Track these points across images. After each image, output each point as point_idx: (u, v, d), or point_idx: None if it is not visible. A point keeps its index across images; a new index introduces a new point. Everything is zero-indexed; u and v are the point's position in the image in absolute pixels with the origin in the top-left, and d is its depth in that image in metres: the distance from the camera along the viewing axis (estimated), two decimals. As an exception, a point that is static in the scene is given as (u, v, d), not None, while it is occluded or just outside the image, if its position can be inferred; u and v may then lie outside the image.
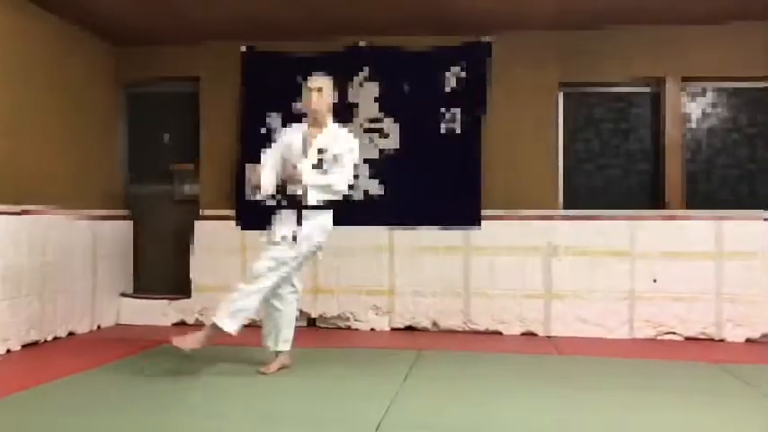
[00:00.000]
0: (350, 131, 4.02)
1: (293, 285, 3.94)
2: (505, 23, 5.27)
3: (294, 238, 3.72)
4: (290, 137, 3.96)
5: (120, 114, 6.06)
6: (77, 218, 5.22)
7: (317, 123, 3.90)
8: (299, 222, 3.75)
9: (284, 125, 5.55)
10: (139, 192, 6.04)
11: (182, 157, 5.97)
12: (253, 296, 3.68)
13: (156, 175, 6.00)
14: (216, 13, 5.14)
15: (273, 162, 3.92)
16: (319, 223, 3.81)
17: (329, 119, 3.94)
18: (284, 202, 3.85)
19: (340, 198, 3.87)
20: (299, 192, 3.77)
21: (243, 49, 5.73)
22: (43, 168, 4.93)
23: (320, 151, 3.82)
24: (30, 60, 4.83)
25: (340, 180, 3.80)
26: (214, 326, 3.69)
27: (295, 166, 3.77)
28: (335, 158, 3.81)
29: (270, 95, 5.67)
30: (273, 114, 5.65)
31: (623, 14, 5.10)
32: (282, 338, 3.89)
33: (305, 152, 3.84)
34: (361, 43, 5.58)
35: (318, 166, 3.80)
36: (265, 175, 3.83)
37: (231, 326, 3.67)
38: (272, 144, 4.05)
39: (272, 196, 3.92)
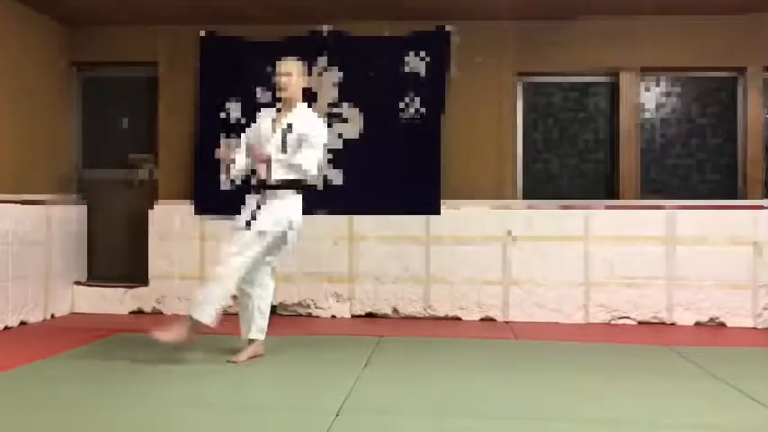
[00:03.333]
0: (319, 116, 4.00)
1: (268, 272, 3.89)
2: (464, 12, 5.29)
3: (253, 219, 3.69)
4: (260, 120, 3.96)
5: (73, 98, 5.88)
6: (28, 204, 5.07)
7: (287, 106, 3.89)
8: (260, 204, 3.73)
9: (242, 111, 5.56)
10: (95, 177, 5.90)
11: (138, 143, 5.85)
12: (224, 283, 3.64)
13: (112, 161, 5.87)
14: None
15: (244, 144, 3.94)
16: (281, 207, 3.75)
17: (299, 103, 3.90)
18: (252, 186, 3.85)
19: (309, 180, 3.85)
20: (264, 173, 3.76)
21: (202, 33, 5.62)
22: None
23: (286, 130, 3.76)
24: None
25: (309, 159, 3.75)
26: (191, 318, 3.64)
27: (256, 145, 3.79)
28: (302, 139, 3.76)
29: (229, 81, 5.58)
30: (232, 101, 5.57)
31: (581, 5, 5.17)
32: (256, 327, 3.85)
33: (273, 133, 3.82)
34: (324, 29, 5.53)
35: (283, 145, 3.75)
36: (238, 156, 3.85)
37: (207, 317, 3.62)
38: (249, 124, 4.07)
39: (243, 179, 3.96)
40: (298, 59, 3.94)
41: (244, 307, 3.88)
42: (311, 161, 3.76)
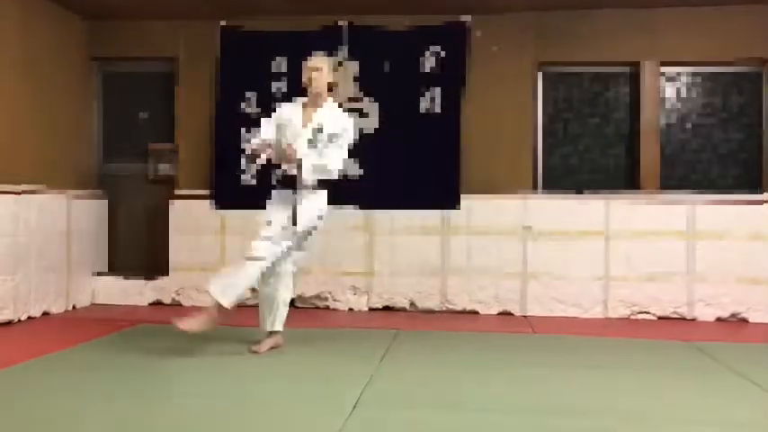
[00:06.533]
0: (345, 112, 3.98)
1: (289, 265, 3.91)
2: (484, 3, 5.26)
3: (293, 220, 3.72)
4: (288, 111, 3.92)
5: (94, 92, 5.94)
6: (50, 197, 5.13)
7: (315, 102, 3.87)
8: (296, 203, 3.75)
9: (260, 104, 5.58)
10: (115, 171, 5.96)
11: (158, 136, 5.89)
12: (249, 272, 3.66)
13: (132, 155, 5.92)
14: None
15: (269, 133, 3.88)
16: (315, 205, 3.82)
17: (327, 98, 3.90)
18: (279, 181, 3.85)
19: (333, 178, 3.86)
20: (293, 171, 3.75)
21: (222, 24, 5.64)
22: (13, 147, 4.82)
23: (317, 130, 3.78)
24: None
25: (335, 160, 3.79)
26: (213, 302, 3.63)
27: (290, 144, 3.73)
28: (330, 138, 3.79)
29: (248, 74, 5.60)
30: (252, 93, 5.59)
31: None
32: (279, 319, 3.87)
33: (303, 128, 3.81)
34: (341, 22, 5.53)
35: (313, 143, 3.77)
36: (260, 144, 3.80)
37: (225, 299, 3.60)
38: (270, 116, 4.00)
39: (264, 167, 3.88)
40: (326, 55, 3.96)
41: (268, 299, 3.88)
42: (337, 161, 3.80)
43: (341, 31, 5.54)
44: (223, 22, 5.63)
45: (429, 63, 5.45)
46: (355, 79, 5.52)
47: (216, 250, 5.59)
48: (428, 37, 5.46)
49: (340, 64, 5.54)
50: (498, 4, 5.28)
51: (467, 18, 5.42)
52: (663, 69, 5.47)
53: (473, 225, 5.35)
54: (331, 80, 3.92)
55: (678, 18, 5.31)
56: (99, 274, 5.77)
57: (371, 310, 5.47)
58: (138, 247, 5.90)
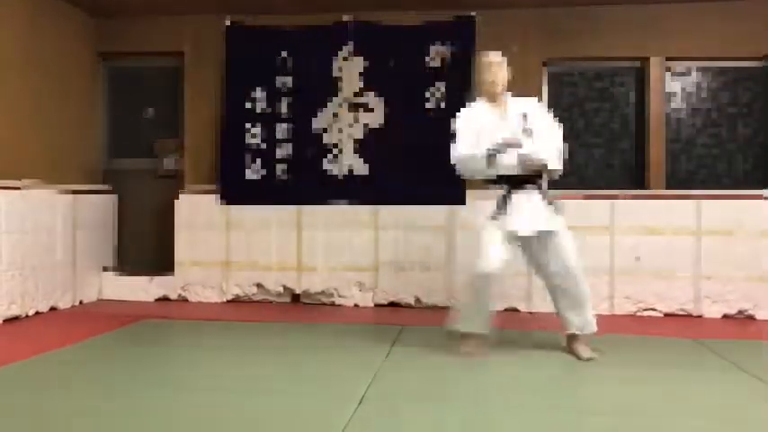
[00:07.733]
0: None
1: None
2: (490, 0, 5.25)
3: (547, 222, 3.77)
4: (476, 119, 3.75)
5: (100, 88, 5.96)
6: (57, 192, 5.16)
7: (498, 98, 3.76)
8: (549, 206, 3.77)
9: (266, 100, 5.58)
10: (121, 167, 5.98)
11: (164, 132, 5.91)
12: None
13: (138, 150, 5.94)
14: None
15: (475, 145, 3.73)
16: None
17: (507, 93, 3.80)
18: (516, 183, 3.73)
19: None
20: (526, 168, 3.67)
21: (227, 23, 5.65)
22: (20, 142, 4.84)
23: (523, 116, 3.68)
24: None
25: (560, 141, 3.79)
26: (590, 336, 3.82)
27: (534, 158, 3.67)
28: (541, 125, 3.72)
29: (254, 71, 5.61)
30: (258, 90, 5.60)
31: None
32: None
33: (505, 130, 3.67)
34: (346, 18, 5.53)
35: (525, 134, 3.67)
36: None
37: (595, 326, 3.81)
38: (458, 132, 3.81)
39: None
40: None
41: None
42: (561, 142, 3.79)
43: (346, 27, 5.53)
44: (228, 21, 5.64)
45: (436, 59, 5.44)
46: (361, 75, 5.52)
47: (221, 246, 5.60)
48: (434, 33, 5.45)
49: (345, 59, 5.54)
50: (504, 1, 5.26)
51: (473, 14, 5.41)
52: (669, 65, 5.45)
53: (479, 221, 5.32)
54: (508, 76, 3.80)
55: (684, 13, 5.28)
56: (106, 269, 5.79)
57: (377, 305, 5.48)
58: (145, 243, 5.92)
